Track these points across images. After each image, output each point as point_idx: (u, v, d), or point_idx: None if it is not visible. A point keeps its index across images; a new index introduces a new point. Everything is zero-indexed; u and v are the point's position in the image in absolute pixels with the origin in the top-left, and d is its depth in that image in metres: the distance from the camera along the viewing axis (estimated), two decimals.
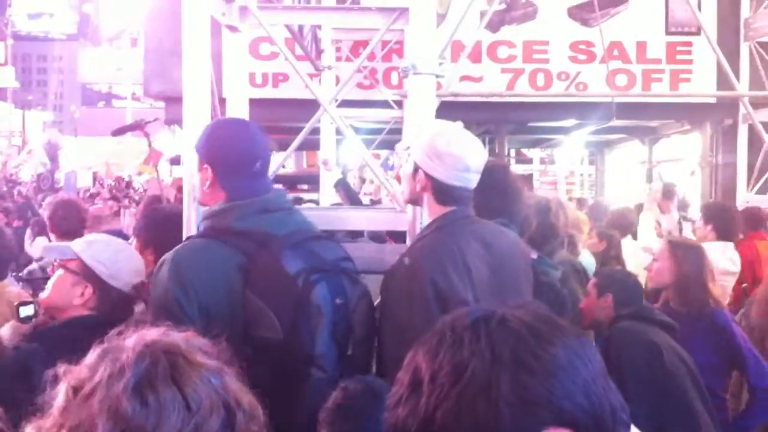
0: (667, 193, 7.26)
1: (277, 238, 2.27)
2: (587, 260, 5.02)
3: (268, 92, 9.05)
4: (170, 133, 17.40)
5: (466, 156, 2.45)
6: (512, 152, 16.32)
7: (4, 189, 21.22)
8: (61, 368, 1.21)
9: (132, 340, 1.22)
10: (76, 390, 1.17)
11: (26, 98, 67.43)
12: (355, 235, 4.04)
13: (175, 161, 19.20)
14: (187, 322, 2.15)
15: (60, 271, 2.52)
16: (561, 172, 16.81)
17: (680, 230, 7.20)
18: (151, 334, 1.24)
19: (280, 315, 2.17)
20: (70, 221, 4.32)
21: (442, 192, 2.48)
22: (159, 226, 2.97)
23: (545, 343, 0.95)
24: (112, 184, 25.72)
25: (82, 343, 2.37)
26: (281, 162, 4.16)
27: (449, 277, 2.36)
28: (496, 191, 2.89)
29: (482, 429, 0.91)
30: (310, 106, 7.93)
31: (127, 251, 2.64)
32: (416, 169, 2.51)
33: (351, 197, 6.86)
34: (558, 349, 0.95)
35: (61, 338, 2.32)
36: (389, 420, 0.99)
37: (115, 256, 2.53)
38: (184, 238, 2.59)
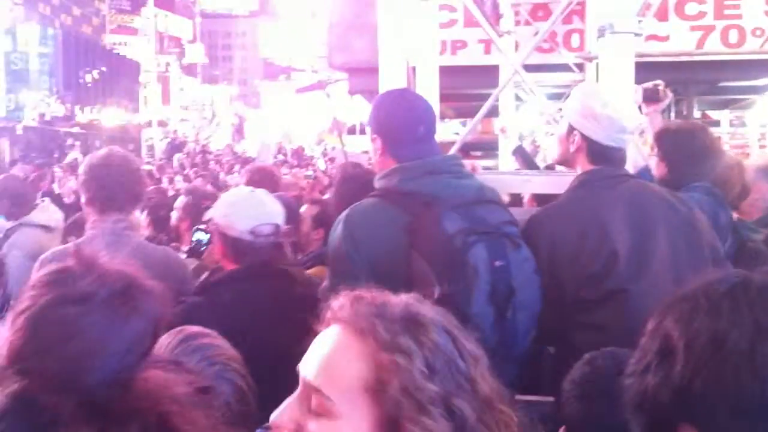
0: None
1: (440, 200, 2.35)
2: None
3: (446, 60, 9.09)
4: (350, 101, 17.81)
5: (621, 117, 2.50)
6: (697, 114, 15.48)
7: (197, 159, 22.67)
8: None
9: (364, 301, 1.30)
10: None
11: (213, 73, 71.37)
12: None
13: (352, 131, 19.75)
14: (356, 275, 2.30)
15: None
16: (752, 135, 15.75)
17: None
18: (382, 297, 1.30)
19: (438, 274, 2.23)
20: (265, 188, 4.60)
21: (596, 153, 2.53)
22: (353, 190, 3.11)
23: None
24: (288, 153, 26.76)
25: (237, 294, 2.57)
26: (470, 127, 4.19)
27: (568, 233, 2.41)
28: (698, 155, 2.80)
29: (746, 399, 0.90)
30: (488, 72, 7.90)
31: (244, 201, 2.77)
32: (571, 130, 2.57)
33: (528, 163, 6.80)
34: None
35: (218, 291, 2.60)
36: (635, 387, 0.99)
37: (229, 207, 2.71)
38: None
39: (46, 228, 4.54)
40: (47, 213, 4.80)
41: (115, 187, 3.00)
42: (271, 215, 2.72)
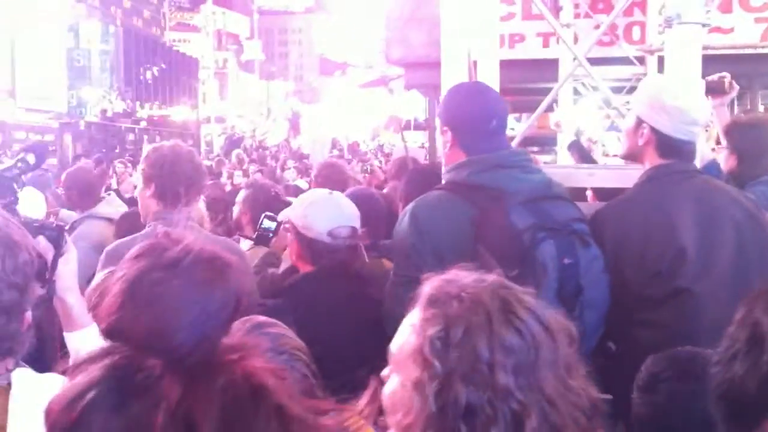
0: None
1: (508, 194, 2.33)
2: None
3: (503, 53, 9.02)
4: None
5: (692, 109, 2.44)
6: (761, 108, 15.07)
7: (254, 155, 22.96)
8: (405, 325, 1.35)
9: (457, 283, 1.33)
10: (442, 338, 1.29)
11: (270, 70, 72.18)
12: None
13: (407, 126, 19.78)
14: (421, 267, 2.29)
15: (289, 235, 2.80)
16: None
17: None
18: (465, 276, 1.35)
19: (505, 269, 2.21)
20: (334, 181, 4.70)
21: (665, 145, 2.48)
22: (417, 183, 3.14)
23: None
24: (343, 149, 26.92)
25: (315, 295, 2.58)
26: (530, 122, 4.17)
27: (634, 230, 2.37)
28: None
29: None
30: (546, 66, 7.82)
31: (322, 202, 2.77)
32: (639, 122, 2.51)
33: (585, 159, 6.73)
34: None
35: (297, 293, 2.60)
36: (721, 375, 0.99)
37: (307, 208, 2.70)
38: None
39: (110, 221, 4.66)
40: (113, 206, 4.94)
41: (181, 179, 3.05)
42: (349, 218, 2.73)
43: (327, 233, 2.64)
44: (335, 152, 25.27)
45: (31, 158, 2.28)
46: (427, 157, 9.36)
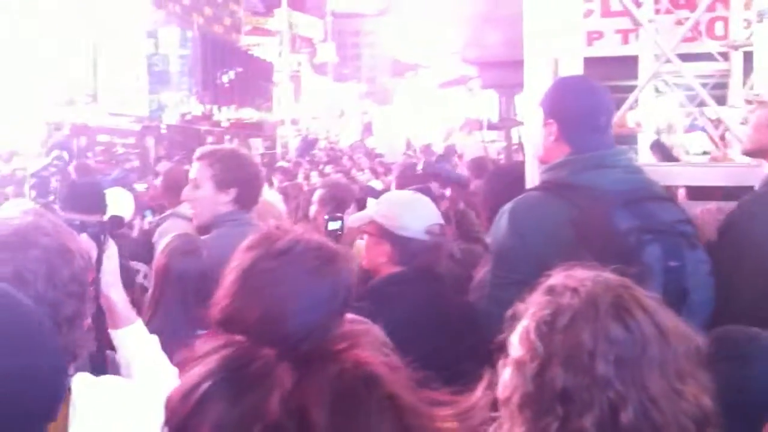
0: None
1: (611, 194, 2.28)
2: None
3: (582, 51, 8.87)
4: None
5: None
6: None
7: (325, 158, 23.17)
8: (519, 306, 1.40)
9: (578, 278, 1.38)
10: (549, 323, 1.34)
11: (342, 72, 72.67)
12: None
13: (481, 126, 19.66)
14: (520, 269, 2.28)
15: (365, 237, 2.78)
16: None
17: None
18: (587, 273, 1.38)
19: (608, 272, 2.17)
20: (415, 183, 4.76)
21: None
22: (504, 183, 3.12)
23: None
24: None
25: (404, 296, 2.57)
26: (613, 120, 4.10)
27: (757, 235, 2.29)
28: None
29: None
30: (625, 63, 7.68)
31: (413, 202, 2.78)
32: None
33: (667, 158, 6.58)
34: None
35: (384, 294, 2.59)
36: None
37: (400, 208, 2.69)
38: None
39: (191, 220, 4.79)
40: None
41: (253, 181, 3.15)
42: (437, 215, 2.74)
43: (425, 231, 2.63)
44: (409, 153, 25.30)
45: (65, 155, 2.33)
46: (503, 157, 9.30)
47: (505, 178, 3.16)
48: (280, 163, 13.61)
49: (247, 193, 3.16)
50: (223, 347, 0.97)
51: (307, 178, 12.40)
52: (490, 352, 1.50)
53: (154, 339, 2.01)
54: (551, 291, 1.40)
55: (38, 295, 1.47)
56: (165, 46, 40.43)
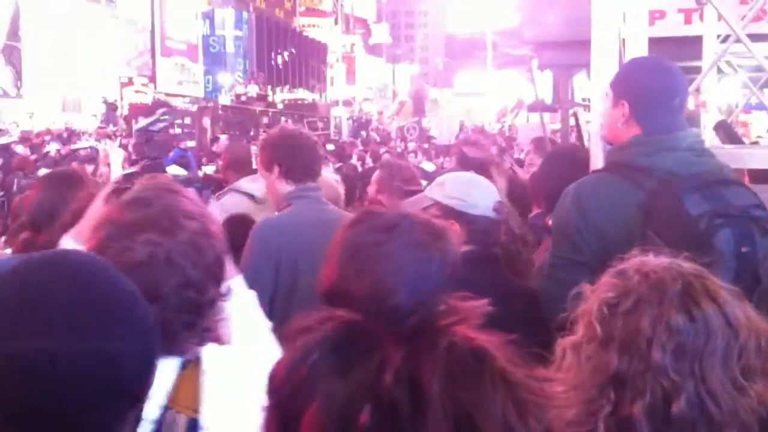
0: None
1: (681, 178, 2.23)
2: None
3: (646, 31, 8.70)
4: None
5: None
6: None
7: (377, 139, 23.20)
8: (586, 287, 1.38)
9: (651, 263, 1.36)
10: (611, 306, 1.32)
11: (396, 53, 72.49)
12: None
13: (534, 108, 19.42)
14: (584, 250, 2.25)
15: None
16: None
17: None
18: (662, 260, 1.36)
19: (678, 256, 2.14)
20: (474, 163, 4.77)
21: None
22: (564, 164, 3.10)
23: None
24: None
25: (477, 277, 2.56)
26: None
27: None
28: None
29: None
30: (688, 43, 7.51)
31: (476, 180, 2.75)
32: None
33: (732, 139, 6.42)
34: None
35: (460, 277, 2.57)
36: None
37: (467, 187, 2.66)
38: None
39: (251, 197, 4.84)
40: (257, 183, 5.12)
41: (294, 153, 3.20)
42: (497, 192, 2.73)
43: (493, 209, 2.62)
44: (461, 135, 25.20)
45: (168, 115, 2.39)
46: (559, 139, 9.20)
47: (565, 159, 3.13)
48: (329, 147, 13.65)
49: (291, 166, 3.20)
50: (329, 321, 0.98)
51: (360, 159, 12.44)
52: (550, 332, 1.49)
53: (253, 294, 2.03)
54: (621, 274, 1.38)
55: (186, 278, 1.53)
56: (221, 27, 40.89)
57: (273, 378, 0.96)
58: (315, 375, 0.92)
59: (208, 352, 1.64)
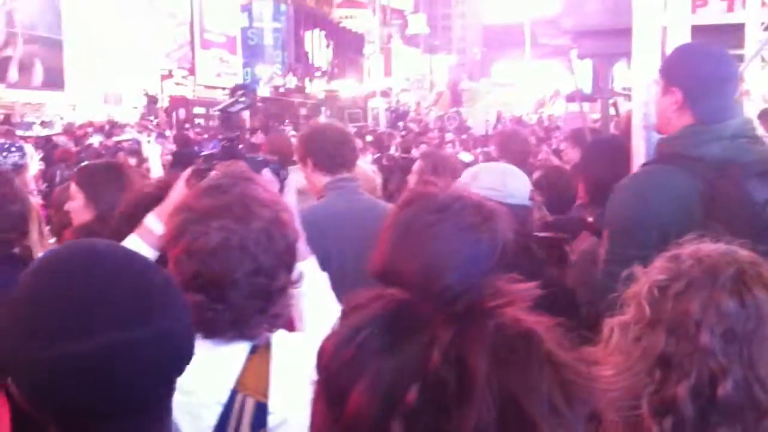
0: None
1: (741, 166, 2.20)
2: None
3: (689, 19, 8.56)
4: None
5: None
6: None
7: (416, 129, 23.13)
8: (638, 269, 1.39)
9: (707, 249, 1.38)
10: (662, 288, 1.34)
11: (433, 44, 72.15)
12: None
13: (571, 98, 19.19)
14: (645, 244, 2.23)
15: None
16: None
17: None
18: (717, 246, 1.37)
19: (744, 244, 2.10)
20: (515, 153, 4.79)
21: None
22: (606, 152, 3.09)
23: None
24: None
25: (516, 267, 2.57)
26: None
27: None
28: None
29: None
30: (730, 31, 7.39)
31: (509, 169, 2.77)
32: None
33: None
34: None
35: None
36: None
37: (504, 177, 2.67)
38: (633, 166, 2.65)
39: None
40: (297, 174, 5.20)
41: (326, 146, 3.28)
42: (529, 182, 2.75)
43: (528, 197, 2.64)
44: (499, 126, 25.03)
45: (248, 96, 2.42)
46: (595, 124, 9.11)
47: (606, 149, 3.11)
48: (368, 138, 13.65)
49: (322, 158, 3.29)
50: (379, 299, 0.99)
51: (398, 149, 12.42)
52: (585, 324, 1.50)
53: (325, 276, 2.05)
54: (674, 258, 1.38)
55: (259, 265, 1.56)
56: (259, 19, 41.08)
57: (321, 355, 0.97)
58: (363, 353, 0.92)
59: (278, 337, 1.67)
